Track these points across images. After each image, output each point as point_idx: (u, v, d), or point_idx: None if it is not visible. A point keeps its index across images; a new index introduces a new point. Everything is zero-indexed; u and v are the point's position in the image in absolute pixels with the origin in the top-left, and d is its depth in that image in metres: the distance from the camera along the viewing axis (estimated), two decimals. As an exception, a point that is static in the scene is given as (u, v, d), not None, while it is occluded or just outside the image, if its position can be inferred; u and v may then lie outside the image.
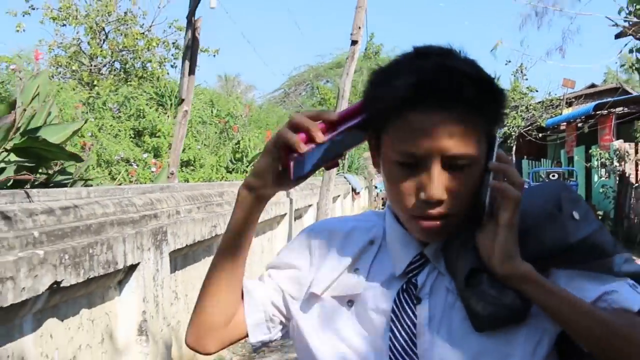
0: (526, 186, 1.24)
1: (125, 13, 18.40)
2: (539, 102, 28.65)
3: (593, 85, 31.73)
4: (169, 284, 4.44)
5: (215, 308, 1.28)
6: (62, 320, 3.28)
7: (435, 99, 1.07)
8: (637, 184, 17.28)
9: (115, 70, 19.01)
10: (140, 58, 19.22)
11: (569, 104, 28.15)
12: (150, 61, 19.48)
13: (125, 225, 3.82)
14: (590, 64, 58.91)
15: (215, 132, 14.44)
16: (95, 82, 17.09)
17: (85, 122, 6.46)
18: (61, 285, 2.96)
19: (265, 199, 1.22)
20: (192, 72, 6.62)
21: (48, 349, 3.14)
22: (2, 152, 3.90)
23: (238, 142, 12.80)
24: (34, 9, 18.24)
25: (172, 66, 20.40)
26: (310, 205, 10.95)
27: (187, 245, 4.66)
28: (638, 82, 14.37)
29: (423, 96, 1.07)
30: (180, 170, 10.86)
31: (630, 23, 12.23)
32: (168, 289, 4.41)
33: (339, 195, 16.75)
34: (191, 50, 6.40)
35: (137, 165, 10.59)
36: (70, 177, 4.65)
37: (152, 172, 10.45)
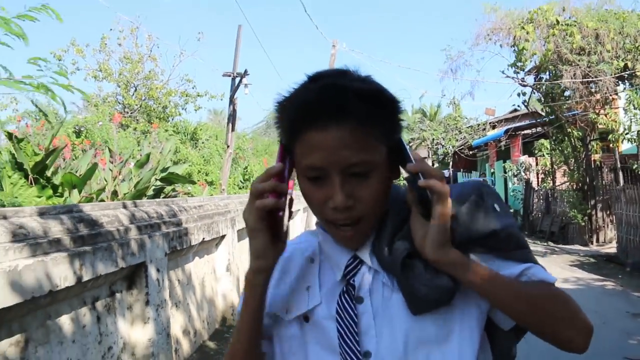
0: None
1: (150, 72, 21.10)
2: (469, 126, 31.68)
3: (516, 110, 34.70)
4: (237, 246, 7.23)
5: None
6: (200, 258, 6.04)
7: (326, 116, 1.00)
8: (537, 188, 20.23)
9: (141, 114, 21.64)
10: (160, 104, 21.90)
11: (494, 127, 31.06)
12: (166, 106, 22.18)
13: (219, 215, 6.57)
14: (490, 101, 64.36)
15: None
16: (129, 124, 19.72)
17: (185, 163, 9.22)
18: (204, 239, 5.73)
19: (270, 273, 1.10)
20: (233, 129, 9.39)
21: (196, 270, 5.89)
22: (154, 180, 6.66)
23: (246, 167, 15.58)
24: (78, 69, 20.89)
25: (183, 109, 23.17)
26: (299, 209, 13.64)
27: (243, 227, 7.46)
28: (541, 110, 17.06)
29: (314, 115, 1.01)
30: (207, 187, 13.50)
31: (517, 74, 15.15)
32: (237, 248, 7.20)
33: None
34: (232, 118, 9.17)
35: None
36: (176, 191, 7.46)
37: (189, 189, 13.07)
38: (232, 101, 8.98)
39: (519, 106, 16.84)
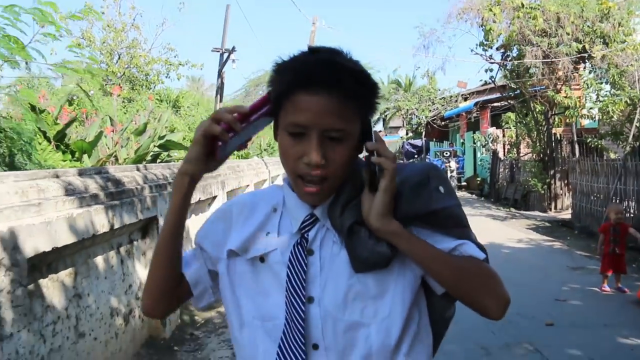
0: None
1: (133, 40, 21.46)
2: (442, 98, 32.51)
3: (487, 83, 35.56)
4: (226, 207, 8.00)
5: (165, 278, 1.31)
6: (196, 216, 6.79)
7: (319, 85, 1.12)
8: (503, 158, 21.21)
9: (124, 82, 22.04)
10: (142, 72, 22.30)
11: (465, 99, 31.87)
12: (148, 74, 22.60)
13: (212, 178, 7.30)
14: (461, 75, 65.13)
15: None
16: (112, 91, 20.17)
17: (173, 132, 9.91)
18: (200, 199, 6.48)
19: (197, 181, 1.24)
20: (221, 100, 10.07)
21: (193, 226, 6.64)
22: (152, 146, 7.37)
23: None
24: (62, 36, 21.12)
25: (166, 77, 23.60)
26: (278, 175, 14.39)
27: (232, 189, 8.23)
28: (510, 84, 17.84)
29: (310, 81, 1.12)
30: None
31: (485, 52, 15.94)
32: (226, 209, 7.97)
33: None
34: (221, 90, 9.84)
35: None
36: (171, 157, 8.19)
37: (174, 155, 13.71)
38: (220, 75, 9.67)
39: (486, 81, 17.66)
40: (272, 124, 1.25)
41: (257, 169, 11.47)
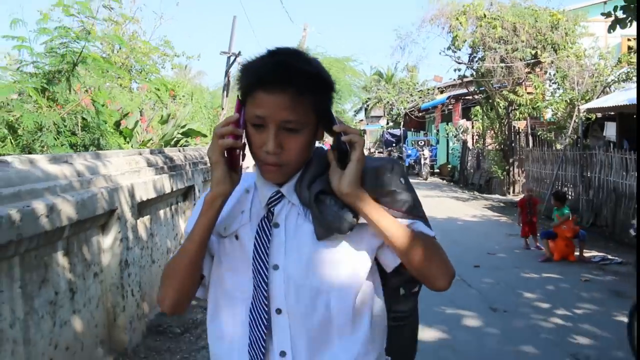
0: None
1: (133, 33, 23.03)
2: (420, 91, 34.28)
3: (464, 76, 37.32)
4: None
5: (191, 283, 1.39)
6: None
7: (274, 84, 1.24)
8: (472, 148, 23.10)
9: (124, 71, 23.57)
10: (140, 62, 23.89)
11: (442, 92, 33.60)
12: (146, 63, 24.21)
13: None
14: (435, 73, 67.67)
15: (209, 117, 19.55)
16: (112, 80, 21.75)
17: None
18: (206, 179, 8.26)
19: (227, 199, 1.32)
20: (227, 95, 11.82)
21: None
22: (176, 134, 9.15)
23: (222, 122, 18.00)
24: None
25: (161, 67, 25.19)
26: (247, 167, 16.18)
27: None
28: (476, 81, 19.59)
29: (265, 81, 1.24)
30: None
31: (454, 53, 17.80)
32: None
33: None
34: (227, 87, 11.58)
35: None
36: (189, 143, 9.97)
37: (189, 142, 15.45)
38: (227, 74, 11.46)
39: (454, 79, 19.55)
40: None
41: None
